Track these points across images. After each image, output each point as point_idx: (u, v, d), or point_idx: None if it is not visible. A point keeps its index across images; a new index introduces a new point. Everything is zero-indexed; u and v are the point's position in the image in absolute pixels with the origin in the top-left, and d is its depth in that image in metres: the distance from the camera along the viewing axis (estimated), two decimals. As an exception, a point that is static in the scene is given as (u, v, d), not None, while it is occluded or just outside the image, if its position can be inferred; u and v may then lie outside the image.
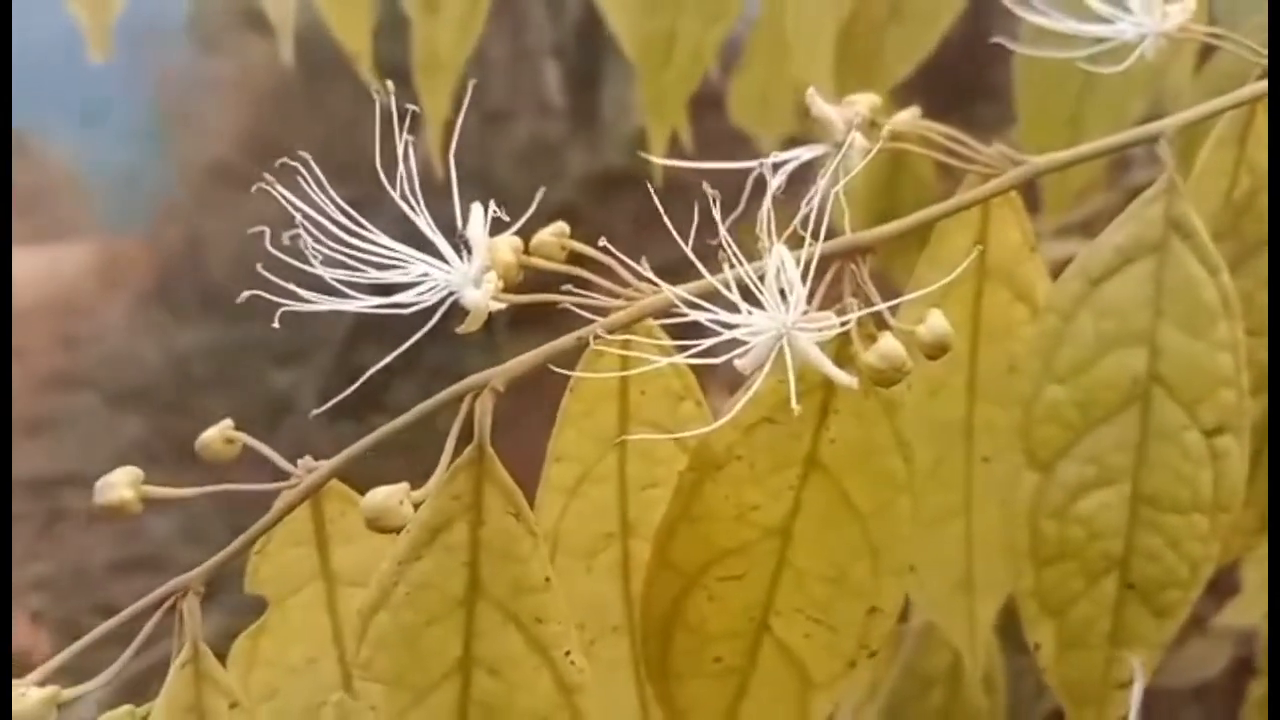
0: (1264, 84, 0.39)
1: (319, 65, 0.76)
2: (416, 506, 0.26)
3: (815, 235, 0.28)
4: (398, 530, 0.26)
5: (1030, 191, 0.63)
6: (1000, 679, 0.61)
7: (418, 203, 0.28)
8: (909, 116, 0.34)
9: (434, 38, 0.55)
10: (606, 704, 0.36)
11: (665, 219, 0.25)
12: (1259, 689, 0.73)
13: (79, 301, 1.46)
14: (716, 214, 0.25)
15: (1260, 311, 0.38)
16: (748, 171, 0.33)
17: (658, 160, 0.33)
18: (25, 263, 1.43)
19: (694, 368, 0.32)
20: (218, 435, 0.29)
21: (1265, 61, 0.39)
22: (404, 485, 0.26)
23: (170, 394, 1.37)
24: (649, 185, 0.29)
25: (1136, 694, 0.30)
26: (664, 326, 0.31)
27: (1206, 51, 0.54)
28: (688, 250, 0.26)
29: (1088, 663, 0.35)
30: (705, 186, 0.25)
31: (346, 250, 0.28)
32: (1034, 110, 0.58)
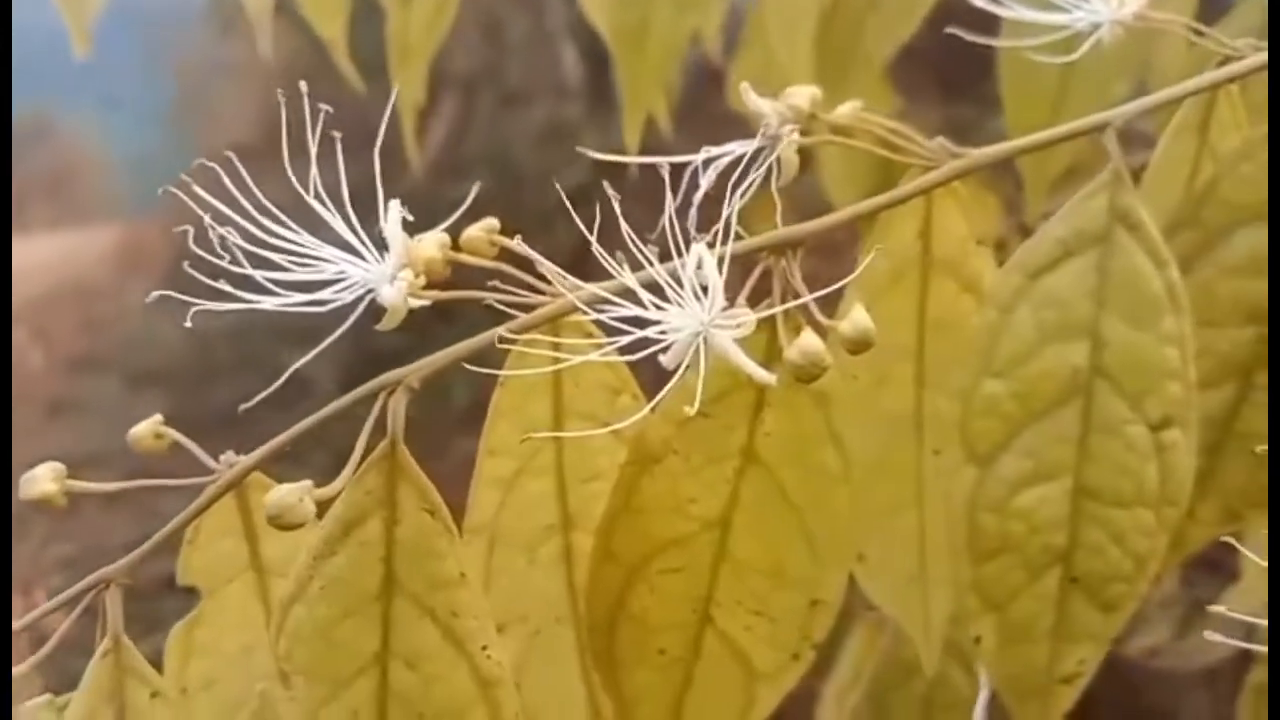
0: (1225, 70, 0.38)
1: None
2: (321, 503, 0.26)
3: (731, 233, 0.28)
4: (297, 527, 0.26)
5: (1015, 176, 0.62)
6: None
7: (339, 204, 0.28)
8: (849, 109, 0.34)
9: (406, 26, 0.56)
10: (554, 694, 0.36)
11: (593, 241, 0.25)
12: (1257, 675, 0.72)
13: (100, 284, 1.48)
14: (625, 227, 0.25)
15: (1220, 302, 0.38)
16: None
17: (596, 155, 0.33)
18: (47, 247, 1.45)
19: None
20: (148, 431, 0.30)
21: (1227, 51, 0.38)
22: (307, 483, 0.26)
23: (190, 375, 1.38)
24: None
25: (982, 702, 0.30)
26: (599, 322, 0.31)
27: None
28: (599, 250, 0.26)
29: (1030, 657, 0.34)
30: (608, 188, 0.25)
31: (270, 247, 0.28)
32: (1017, 91, 0.57)
